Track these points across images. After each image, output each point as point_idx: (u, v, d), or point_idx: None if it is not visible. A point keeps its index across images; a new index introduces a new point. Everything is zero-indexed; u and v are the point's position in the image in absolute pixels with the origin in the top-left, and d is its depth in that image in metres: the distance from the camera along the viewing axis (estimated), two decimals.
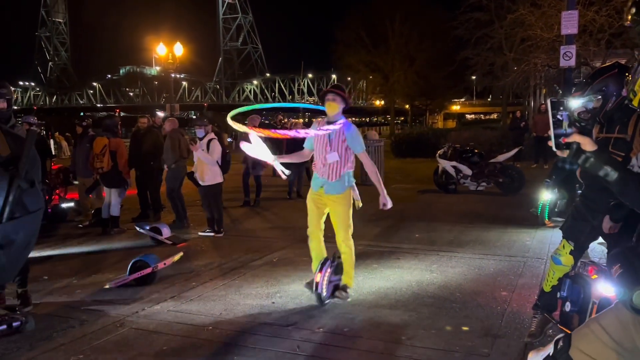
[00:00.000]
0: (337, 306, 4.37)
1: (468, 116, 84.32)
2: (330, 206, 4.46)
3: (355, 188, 4.60)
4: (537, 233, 6.85)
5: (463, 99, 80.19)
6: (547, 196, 7.14)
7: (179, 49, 23.99)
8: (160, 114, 8.48)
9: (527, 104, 27.50)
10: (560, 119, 1.61)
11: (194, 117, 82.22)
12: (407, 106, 54.53)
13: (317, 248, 4.56)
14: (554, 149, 1.64)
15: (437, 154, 11.22)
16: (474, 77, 35.05)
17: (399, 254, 6.02)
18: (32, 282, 5.10)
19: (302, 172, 10.82)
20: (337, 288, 4.45)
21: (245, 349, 3.59)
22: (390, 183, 12.51)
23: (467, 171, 10.63)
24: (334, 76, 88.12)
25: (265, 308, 4.37)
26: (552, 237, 6.45)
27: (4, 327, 3.72)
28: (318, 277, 4.30)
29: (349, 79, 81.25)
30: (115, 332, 3.92)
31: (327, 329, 3.89)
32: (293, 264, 5.72)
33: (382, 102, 61.43)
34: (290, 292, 4.74)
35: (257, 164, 9.61)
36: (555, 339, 1.82)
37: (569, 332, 2.19)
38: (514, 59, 20.54)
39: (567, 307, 3.22)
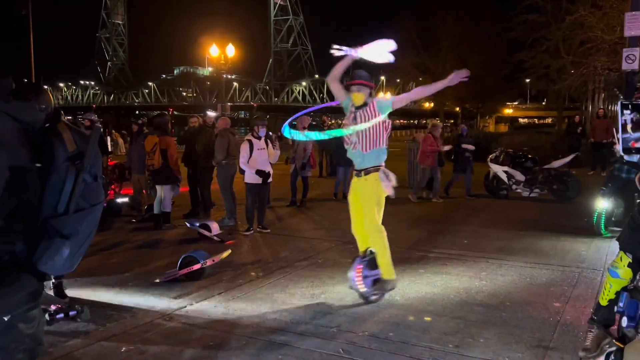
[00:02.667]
0: (382, 310, 4.32)
1: (521, 120, 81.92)
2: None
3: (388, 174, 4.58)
4: (593, 243, 6.56)
5: (516, 102, 77.94)
6: (603, 205, 6.83)
7: (231, 50, 24.46)
8: (211, 113, 8.68)
9: (585, 109, 26.45)
10: (627, 122, 1.53)
11: (245, 116, 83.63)
12: (457, 109, 53.54)
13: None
14: (620, 152, 1.56)
15: (489, 159, 10.94)
16: (528, 80, 33.98)
17: (446, 259, 5.90)
18: (87, 275, 5.33)
19: (348, 173, 10.79)
20: (377, 282, 4.47)
21: (290, 348, 3.60)
22: (440, 186, 12.30)
23: (520, 177, 10.31)
24: (382, 77, 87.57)
25: (310, 308, 4.37)
26: (609, 248, 6.16)
27: (61, 315, 3.87)
28: (349, 273, 4.39)
29: (398, 80, 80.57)
30: (164, 325, 4.03)
31: (372, 333, 3.85)
32: (338, 265, 5.71)
33: (432, 105, 60.58)
34: (335, 294, 4.73)
35: (306, 165, 9.67)
36: (607, 352, 1.73)
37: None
38: (572, 62, 19.82)
39: (624, 322, 3.06)
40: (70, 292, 4.68)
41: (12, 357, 1.55)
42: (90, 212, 1.65)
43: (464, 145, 10.94)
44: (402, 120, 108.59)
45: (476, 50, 38.92)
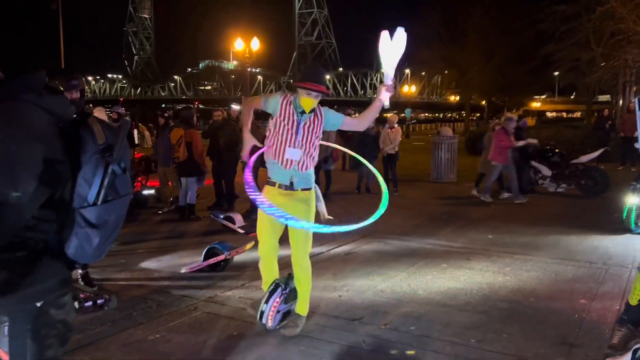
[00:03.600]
0: (404, 304, 4.32)
1: (549, 114, 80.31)
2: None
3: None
4: (621, 239, 6.43)
5: (544, 96, 76.50)
6: (633, 201, 6.68)
7: (256, 44, 24.53)
8: (235, 107, 8.77)
9: (615, 103, 25.81)
10: None
11: None
12: (483, 102, 52.78)
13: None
14: None
15: None
16: (556, 73, 33.28)
17: (470, 254, 5.86)
18: (114, 265, 5.46)
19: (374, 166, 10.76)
20: (286, 316, 3.77)
21: (312, 340, 3.64)
22: (463, 181, 12.20)
23: (547, 171, 10.15)
24: (407, 71, 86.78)
25: (331, 301, 4.40)
26: (638, 245, 6.03)
27: (90, 303, 4.00)
28: (263, 306, 3.65)
29: (423, 73, 79.76)
30: (189, 315, 4.11)
31: (394, 326, 3.86)
32: (360, 258, 5.72)
33: (457, 98, 59.86)
34: (357, 287, 4.75)
35: (329, 159, 9.68)
36: (634, 348, 1.71)
37: None
38: (602, 54, 19.34)
39: None
40: (98, 282, 4.80)
41: (44, 342, 1.61)
42: (119, 203, 1.70)
43: (528, 141, 9.94)
44: (426, 114, 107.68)
45: (503, 42, 38.23)
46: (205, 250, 5.30)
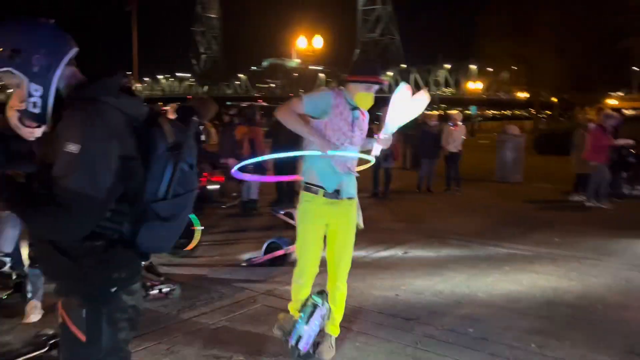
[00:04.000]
0: (463, 306, 4.26)
1: (626, 112, 75.74)
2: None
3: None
4: None
5: (622, 93, 72.21)
6: None
7: (319, 42, 24.73)
8: None
9: None
10: None
11: None
12: (554, 99, 50.53)
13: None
14: None
15: None
16: (636, 69, 31.33)
17: (534, 258, 5.68)
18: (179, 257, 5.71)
19: (434, 167, 10.62)
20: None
21: (367, 337, 3.67)
22: (530, 182, 11.79)
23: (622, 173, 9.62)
24: (473, 67, 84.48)
25: (388, 300, 4.41)
26: None
27: (156, 291, 4.22)
28: (301, 329, 3.22)
29: (490, 69, 77.34)
30: (248, 307, 4.25)
31: (451, 327, 3.83)
32: (419, 258, 5.69)
33: (526, 95, 57.58)
34: (415, 287, 4.73)
35: (388, 157, 9.63)
36: None
37: None
38: None
39: None
40: (163, 272, 5.05)
41: (117, 325, 1.75)
42: (186, 198, 1.81)
43: (622, 141, 9.23)
44: (493, 112, 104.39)
45: (576, 37, 36.39)
46: (266, 244, 5.45)
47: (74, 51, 1.72)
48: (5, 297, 4.24)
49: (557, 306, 4.23)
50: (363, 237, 6.55)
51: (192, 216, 5.68)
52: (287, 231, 6.74)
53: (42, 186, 1.61)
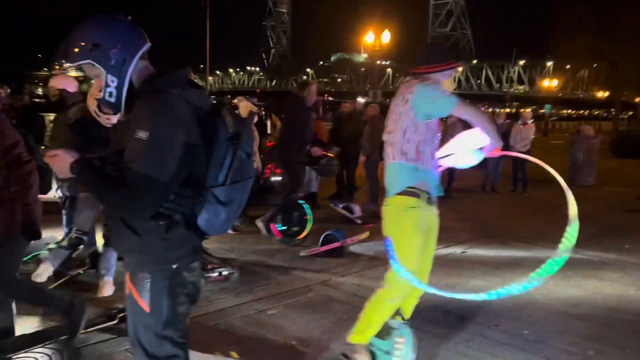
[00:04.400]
0: (520, 308, 4.18)
1: None
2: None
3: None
4: None
5: None
6: None
7: (387, 37, 24.56)
8: (361, 100, 8.99)
9: None
10: None
11: None
12: (637, 99, 47.52)
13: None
14: None
15: None
16: None
17: (601, 263, 5.45)
18: (240, 243, 5.95)
19: (499, 166, 10.34)
20: None
21: (421, 331, 3.60)
22: (603, 185, 11.23)
23: None
24: (549, 63, 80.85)
25: (441, 297, 4.39)
26: None
27: (216, 274, 4.44)
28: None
29: (568, 67, 73.70)
30: (304, 294, 4.38)
31: (505, 327, 3.78)
32: (477, 258, 5.61)
33: (606, 94, 54.47)
34: (471, 286, 4.68)
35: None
36: None
37: None
38: None
39: None
40: (226, 258, 5.29)
41: (177, 299, 1.90)
42: (244, 184, 1.94)
43: None
44: (569, 111, 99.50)
45: None
46: (323, 236, 5.56)
47: (147, 46, 1.88)
48: (82, 272, 4.61)
49: (620, 314, 4.06)
50: None
51: (306, 206, 6.02)
52: (345, 224, 6.86)
53: (115, 169, 1.78)
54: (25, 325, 3.41)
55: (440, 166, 2.97)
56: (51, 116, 6.32)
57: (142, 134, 1.70)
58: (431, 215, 3.00)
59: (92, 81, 2.15)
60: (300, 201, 6.12)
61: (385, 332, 3.04)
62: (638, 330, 3.76)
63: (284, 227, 6.04)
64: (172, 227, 1.83)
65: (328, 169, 6.39)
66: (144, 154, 1.70)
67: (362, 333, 3.01)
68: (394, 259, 2.84)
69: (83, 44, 1.79)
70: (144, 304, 1.86)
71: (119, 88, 1.83)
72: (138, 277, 1.87)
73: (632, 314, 4.08)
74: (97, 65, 1.80)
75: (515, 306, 4.21)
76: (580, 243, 6.30)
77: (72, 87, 4.66)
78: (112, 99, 1.85)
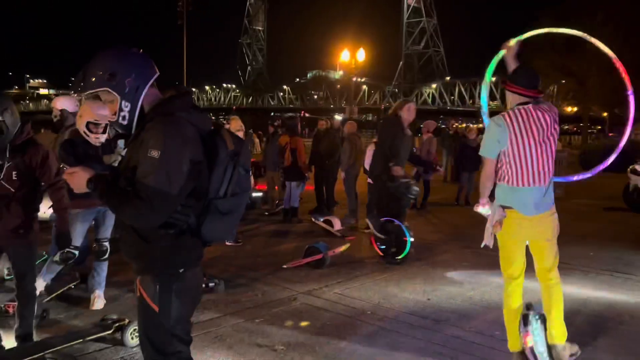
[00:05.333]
0: (492, 311, 4.46)
1: None
2: None
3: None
4: None
5: None
6: None
7: (362, 55, 25.11)
8: (338, 117, 9.27)
9: None
10: None
11: (373, 119, 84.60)
12: (604, 114, 49.12)
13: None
14: None
15: (629, 169, 10.22)
16: None
17: (567, 270, 5.75)
18: (226, 258, 6.13)
19: (472, 179, 10.73)
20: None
21: (398, 335, 3.94)
22: (571, 197, 11.70)
23: None
24: None
25: (420, 303, 4.66)
26: None
27: (203, 285, 4.61)
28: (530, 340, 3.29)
29: None
30: (289, 304, 4.59)
31: (478, 330, 4.05)
32: (453, 267, 5.89)
33: (574, 109, 56.16)
34: (447, 292, 4.96)
35: (429, 168, 9.84)
36: None
37: None
38: None
39: None
40: (213, 270, 5.46)
41: (184, 300, 2.10)
42: (242, 196, 2.18)
43: None
44: None
45: (628, 49, 35.33)
46: (306, 248, 5.79)
47: (156, 75, 2.12)
48: (73, 286, 4.74)
49: (584, 315, 4.38)
50: None
51: (404, 227, 5.95)
52: (326, 238, 7.09)
53: (128, 183, 2.00)
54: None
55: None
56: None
57: (155, 153, 1.93)
58: None
59: (78, 104, 2.32)
60: (398, 223, 5.99)
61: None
62: (599, 329, 4.07)
63: (384, 247, 6.06)
64: (179, 235, 2.05)
65: (405, 190, 6.04)
66: (155, 170, 1.93)
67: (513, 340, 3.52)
68: None
69: (101, 73, 2.02)
70: (154, 305, 2.07)
71: (131, 112, 2.06)
72: (148, 281, 2.08)
73: (595, 315, 4.40)
74: (113, 92, 2.03)
75: (488, 310, 4.50)
76: None
77: (72, 107, 4.87)
78: (125, 122, 2.08)
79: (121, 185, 2.03)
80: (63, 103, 5.02)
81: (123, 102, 2.04)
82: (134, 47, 2.11)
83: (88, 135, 4.15)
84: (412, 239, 5.91)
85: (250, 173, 2.22)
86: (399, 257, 5.94)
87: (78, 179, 2.06)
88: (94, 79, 2.03)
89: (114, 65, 2.03)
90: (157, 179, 1.92)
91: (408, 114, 6.10)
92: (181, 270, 2.09)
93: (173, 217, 2.02)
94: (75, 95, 2.00)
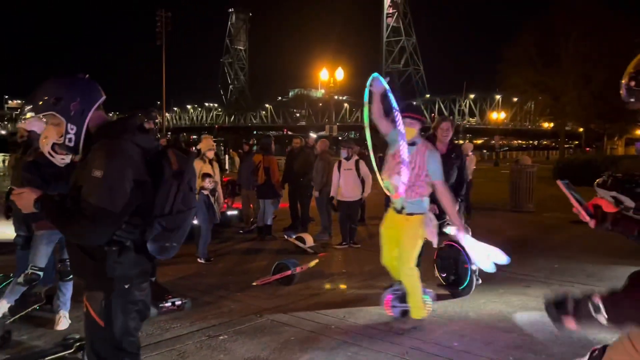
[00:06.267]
0: (453, 323, 4.58)
1: None
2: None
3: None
4: None
5: None
6: None
7: (340, 74, 25.46)
8: (313, 135, 9.44)
9: None
10: None
11: (355, 136, 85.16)
12: (580, 129, 50.18)
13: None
14: None
15: (595, 183, 10.41)
16: None
17: (530, 281, 5.95)
18: (197, 276, 6.16)
19: None
20: (406, 314, 4.60)
21: (360, 348, 4.02)
22: (542, 211, 11.97)
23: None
24: (498, 97, 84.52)
25: (383, 316, 4.75)
26: None
27: (169, 304, 4.66)
28: (382, 298, 4.70)
29: (515, 99, 77.25)
30: (254, 320, 4.64)
31: (438, 341, 4.15)
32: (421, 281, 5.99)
33: (551, 125, 57.26)
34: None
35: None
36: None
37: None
38: None
39: None
40: (183, 289, 5.50)
41: (129, 315, 2.17)
42: (187, 213, 2.26)
43: None
44: (519, 141, 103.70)
45: (602, 66, 36.27)
46: (274, 265, 5.85)
47: (102, 99, 2.21)
48: (37, 307, 4.74)
49: (541, 324, 4.49)
50: (370, 261, 6.94)
51: (465, 255, 5.14)
52: (298, 255, 7.16)
53: (74, 202, 2.08)
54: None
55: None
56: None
57: (98, 173, 2.01)
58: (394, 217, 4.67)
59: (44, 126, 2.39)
60: (459, 247, 5.31)
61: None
62: (555, 339, 4.18)
63: (444, 274, 5.58)
64: (123, 252, 2.13)
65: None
66: (98, 190, 2.01)
67: (419, 306, 4.49)
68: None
69: (46, 97, 2.11)
70: (99, 319, 2.13)
71: (77, 134, 2.15)
72: (94, 296, 2.15)
73: (550, 325, 4.52)
74: (58, 116, 2.12)
75: (449, 322, 4.61)
76: (515, 264, 6.83)
77: (40, 129, 4.91)
78: (71, 144, 2.17)
79: (67, 205, 2.11)
80: (32, 124, 5.04)
81: (69, 125, 2.13)
82: (81, 72, 2.20)
83: (53, 157, 4.20)
84: (474, 267, 5.17)
85: (195, 190, 2.30)
86: (461, 287, 5.38)
87: (25, 199, 2.13)
88: (41, 103, 2.13)
89: (60, 91, 2.13)
90: (100, 198, 2.00)
91: (440, 132, 5.52)
92: (127, 286, 2.16)
93: (117, 235, 2.10)
94: (25, 118, 2.07)
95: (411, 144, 4.32)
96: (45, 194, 2.15)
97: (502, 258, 4.49)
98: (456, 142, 6.23)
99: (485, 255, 4.51)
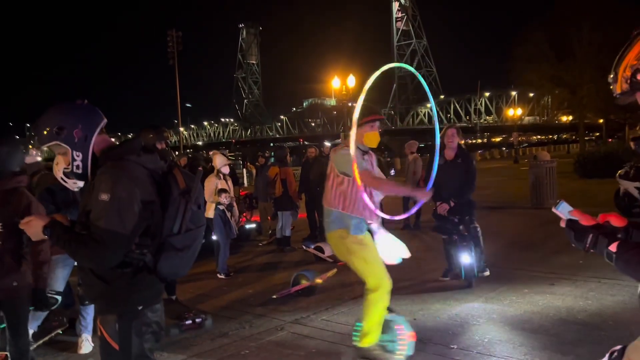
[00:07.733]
0: (475, 327, 4.49)
1: None
2: None
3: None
4: None
5: None
6: None
7: (352, 81, 25.47)
8: (328, 144, 9.46)
9: None
10: None
11: None
12: (600, 121, 49.31)
13: None
14: None
15: (618, 174, 10.24)
16: None
17: (555, 279, 5.82)
18: (217, 291, 6.17)
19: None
20: None
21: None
22: None
23: None
24: (513, 93, 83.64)
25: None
26: None
27: (190, 321, 4.66)
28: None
29: (531, 95, 76.38)
30: (275, 334, 4.62)
31: (462, 346, 4.07)
32: (440, 286, 5.91)
33: (570, 118, 56.43)
34: (433, 311, 4.99)
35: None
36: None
37: None
38: None
39: None
40: (204, 306, 5.51)
41: (143, 337, 2.17)
42: (196, 232, 2.26)
43: None
44: (538, 136, 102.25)
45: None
46: (293, 277, 5.84)
47: (103, 122, 2.23)
48: (61, 332, 4.78)
49: (568, 324, 4.40)
50: (390, 268, 6.84)
51: (460, 247, 5.62)
52: (318, 265, 7.14)
53: (83, 227, 2.10)
54: None
55: None
56: None
57: (104, 196, 2.03)
58: None
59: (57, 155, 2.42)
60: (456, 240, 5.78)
61: (386, 327, 3.89)
62: (582, 337, 4.08)
63: (449, 266, 6.00)
64: (136, 274, 2.13)
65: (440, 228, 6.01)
66: (106, 213, 2.02)
67: (369, 336, 3.80)
68: None
69: (49, 128, 2.14)
70: (114, 343, 2.14)
71: (84, 161, 2.17)
72: (107, 320, 2.15)
73: (579, 323, 4.42)
74: (63, 144, 2.14)
75: (472, 326, 4.52)
76: (538, 262, 6.69)
77: (29, 159, 5.07)
78: (79, 170, 2.19)
79: (77, 230, 2.13)
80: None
81: (74, 153, 2.15)
82: (79, 99, 2.23)
83: (66, 182, 4.27)
84: (469, 259, 5.61)
85: (203, 208, 2.31)
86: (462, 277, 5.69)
87: (34, 227, 2.15)
88: (45, 133, 2.15)
89: (61, 120, 2.15)
90: (108, 221, 2.02)
91: (446, 139, 5.80)
92: (140, 308, 2.16)
93: (129, 257, 2.10)
94: (32, 148, 2.12)
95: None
96: (53, 220, 2.17)
97: (406, 253, 4.15)
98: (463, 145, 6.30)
99: (392, 249, 4.13)
